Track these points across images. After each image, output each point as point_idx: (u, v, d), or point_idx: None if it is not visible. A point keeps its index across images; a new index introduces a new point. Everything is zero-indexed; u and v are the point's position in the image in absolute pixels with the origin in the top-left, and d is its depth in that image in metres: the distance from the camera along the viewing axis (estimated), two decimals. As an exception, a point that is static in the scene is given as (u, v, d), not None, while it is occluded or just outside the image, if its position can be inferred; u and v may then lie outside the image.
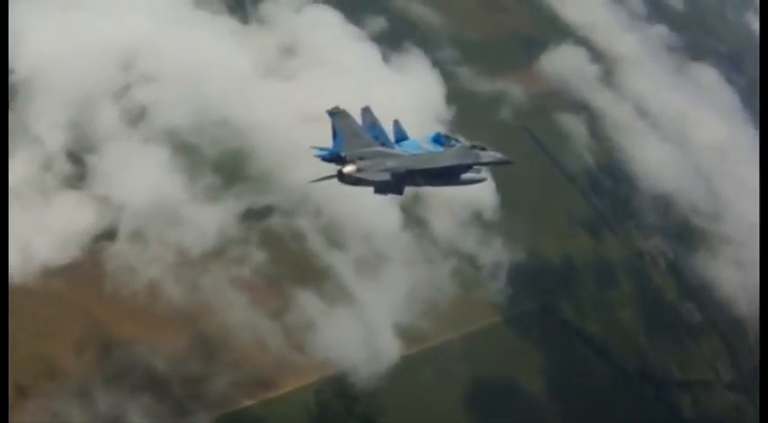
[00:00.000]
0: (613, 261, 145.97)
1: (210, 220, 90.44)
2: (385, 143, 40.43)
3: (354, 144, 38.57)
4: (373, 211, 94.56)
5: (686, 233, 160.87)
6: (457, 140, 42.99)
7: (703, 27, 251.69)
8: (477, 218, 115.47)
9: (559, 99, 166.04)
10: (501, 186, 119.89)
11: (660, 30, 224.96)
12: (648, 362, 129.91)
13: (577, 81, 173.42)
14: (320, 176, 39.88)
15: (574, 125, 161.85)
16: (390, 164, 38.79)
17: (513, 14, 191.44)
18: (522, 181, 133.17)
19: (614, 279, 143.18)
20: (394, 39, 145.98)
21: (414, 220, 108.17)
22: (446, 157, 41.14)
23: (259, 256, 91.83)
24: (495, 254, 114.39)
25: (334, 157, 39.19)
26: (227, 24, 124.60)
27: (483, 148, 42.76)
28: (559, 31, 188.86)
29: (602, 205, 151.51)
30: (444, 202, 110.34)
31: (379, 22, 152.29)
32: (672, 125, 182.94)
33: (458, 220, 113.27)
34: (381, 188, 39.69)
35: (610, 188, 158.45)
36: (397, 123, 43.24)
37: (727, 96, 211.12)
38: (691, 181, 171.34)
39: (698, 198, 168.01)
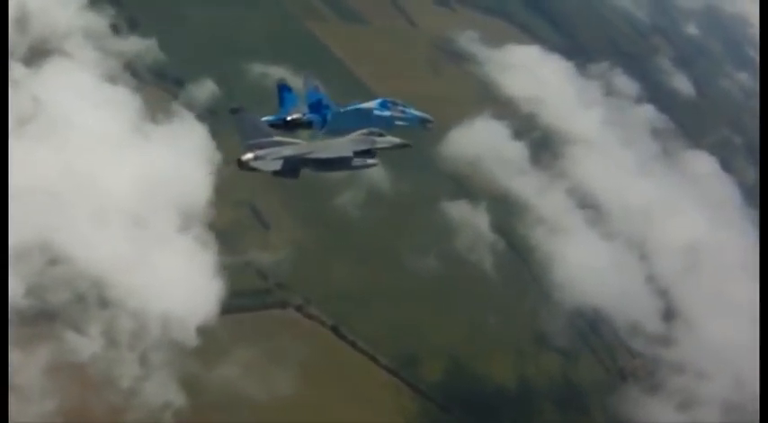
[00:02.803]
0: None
1: None
2: (329, 106, 44.92)
3: (254, 135, 42.05)
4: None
5: (614, 359, 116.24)
6: (405, 106, 46.55)
7: (716, 113, 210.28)
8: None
9: (454, 184, 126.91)
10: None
11: (647, 110, 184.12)
12: None
13: (490, 162, 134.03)
14: None
15: (467, 216, 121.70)
16: (286, 152, 42.05)
17: (431, 83, 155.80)
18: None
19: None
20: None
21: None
22: (341, 145, 43.49)
23: None
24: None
25: (279, 123, 44.21)
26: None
27: (380, 134, 44.33)
28: (490, 104, 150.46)
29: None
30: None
31: (205, 88, 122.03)
32: (626, 220, 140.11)
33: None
34: (278, 172, 42.07)
35: (508, 297, 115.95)
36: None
37: (723, 190, 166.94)
38: (636, 292, 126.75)
39: (642, 315, 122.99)
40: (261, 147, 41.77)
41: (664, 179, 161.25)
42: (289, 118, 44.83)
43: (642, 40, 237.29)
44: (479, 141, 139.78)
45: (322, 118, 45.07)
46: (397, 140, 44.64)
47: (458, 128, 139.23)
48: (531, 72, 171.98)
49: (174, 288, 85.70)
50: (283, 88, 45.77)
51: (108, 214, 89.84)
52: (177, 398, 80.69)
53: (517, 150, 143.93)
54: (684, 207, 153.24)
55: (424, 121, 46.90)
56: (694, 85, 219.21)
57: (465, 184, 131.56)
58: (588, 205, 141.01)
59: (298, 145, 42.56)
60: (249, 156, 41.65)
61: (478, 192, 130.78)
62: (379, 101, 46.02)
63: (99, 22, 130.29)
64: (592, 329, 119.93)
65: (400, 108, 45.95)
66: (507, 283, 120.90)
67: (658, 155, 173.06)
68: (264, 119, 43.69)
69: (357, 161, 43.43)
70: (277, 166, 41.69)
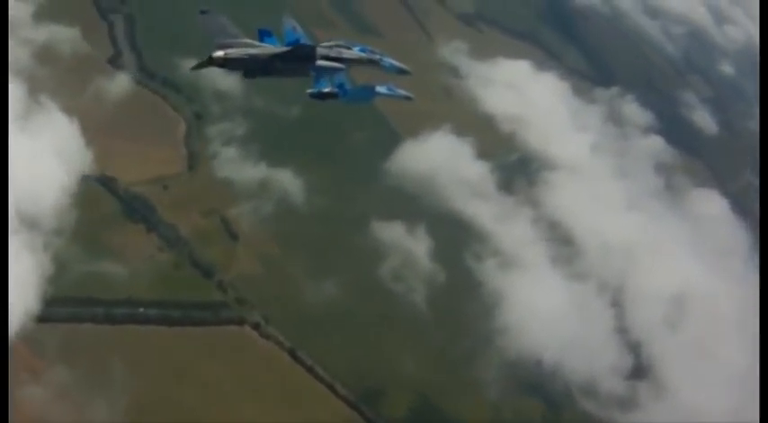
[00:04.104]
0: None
1: None
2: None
3: (223, 37, 43.53)
4: None
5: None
6: (382, 55, 47.36)
7: (739, 155, 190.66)
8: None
9: (394, 202, 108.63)
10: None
11: (654, 142, 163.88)
12: None
13: (445, 182, 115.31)
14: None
15: (401, 240, 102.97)
16: (253, 51, 43.72)
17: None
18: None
19: None
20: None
21: None
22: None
23: None
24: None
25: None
26: None
27: (348, 48, 45.95)
28: (458, 119, 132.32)
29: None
30: None
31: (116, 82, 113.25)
32: (603, 260, 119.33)
33: None
34: (248, 73, 44.06)
35: (437, 337, 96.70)
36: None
37: (730, 236, 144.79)
38: (600, 343, 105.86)
39: (603, 371, 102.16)
40: (230, 46, 43.31)
41: (659, 218, 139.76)
42: None
43: (675, 74, 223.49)
44: (436, 158, 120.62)
45: None
46: (363, 54, 46.07)
47: (412, 141, 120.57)
48: (519, 89, 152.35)
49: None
50: (263, 33, 46.58)
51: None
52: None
53: (480, 171, 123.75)
54: (678, 251, 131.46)
55: (401, 72, 47.70)
56: (719, 124, 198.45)
57: (407, 204, 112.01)
58: (557, 239, 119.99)
59: (264, 47, 44.11)
60: (219, 53, 43.09)
61: (422, 213, 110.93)
62: (359, 47, 46.94)
63: (22, 8, 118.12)
64: (536, 382, 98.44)
65: (378, 56, 46.90)
66: (439, 322, 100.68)
67: (659, 190, 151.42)
68: None
69: (323, 61, 44.67)
70: (245, 58, 43.14)
